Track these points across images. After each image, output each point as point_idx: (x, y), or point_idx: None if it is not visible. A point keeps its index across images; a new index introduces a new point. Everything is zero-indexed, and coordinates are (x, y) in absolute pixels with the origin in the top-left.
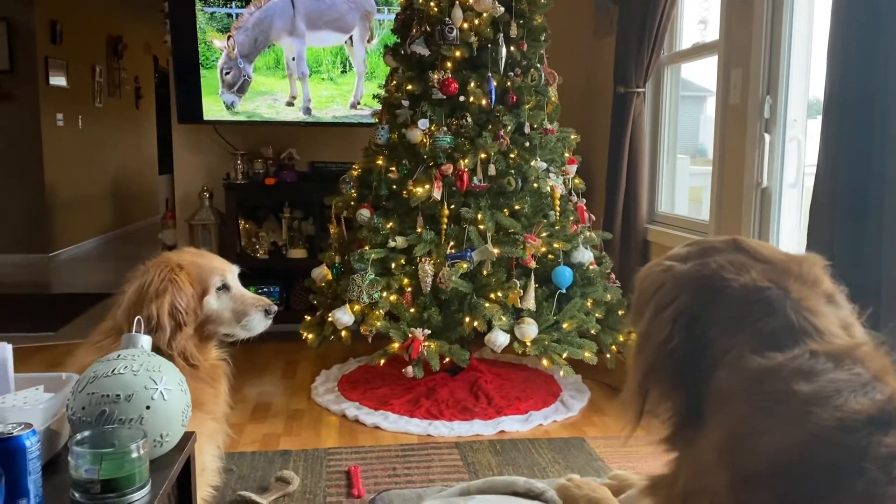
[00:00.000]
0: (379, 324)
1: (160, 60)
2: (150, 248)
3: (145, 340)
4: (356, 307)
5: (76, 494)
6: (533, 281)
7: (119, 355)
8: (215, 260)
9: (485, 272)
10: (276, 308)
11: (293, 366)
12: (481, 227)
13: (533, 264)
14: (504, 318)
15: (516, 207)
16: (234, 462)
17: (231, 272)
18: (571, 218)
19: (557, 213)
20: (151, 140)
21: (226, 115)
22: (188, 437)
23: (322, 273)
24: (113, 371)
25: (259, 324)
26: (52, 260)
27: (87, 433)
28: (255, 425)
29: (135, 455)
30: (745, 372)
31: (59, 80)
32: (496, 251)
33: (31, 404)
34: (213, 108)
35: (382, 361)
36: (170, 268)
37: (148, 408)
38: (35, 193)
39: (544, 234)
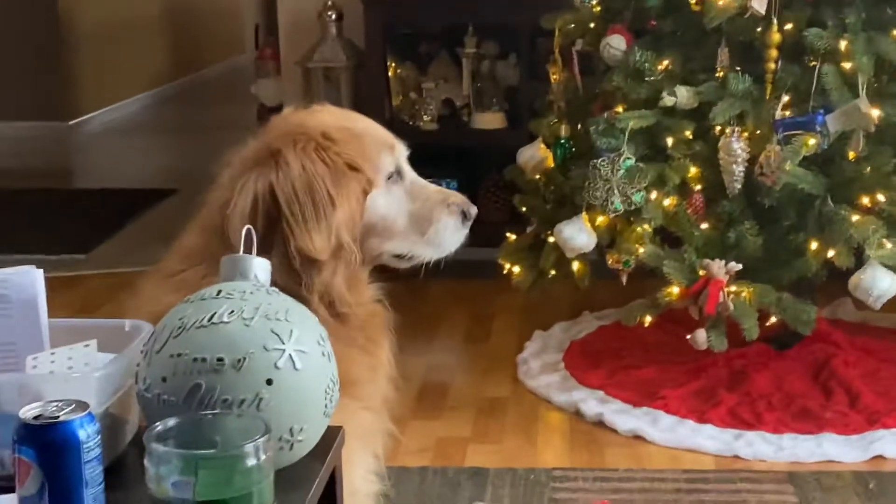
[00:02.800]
0: (642, 250)
1: None
2: (236, 110)
3: (261, 267)
4: (600, 219)
5: None
6: None
7: (220, 292)
8: (373, 126)
9: (851, 155)
10: (475, 210)
11: (484, 322)
12: (846, 65)
13: None
14: (889, 245)
15: None
16: (392, 481)
17: (400, 149)
18: None
19: None
20: None
21: None
22: (335, 434)
23: (537, 156)
24: (212, 318)
25: (454, 235)
26: (73, 131)
27: (171, 422)
28: (423, 422)
29: (251, 462)
30: None
31: None
32: (876, 114)
33: (80, 371)
34: None
35: (648, 320)
36: (317, 144)
37: (270, 382)
38: (43, 24)
39: None
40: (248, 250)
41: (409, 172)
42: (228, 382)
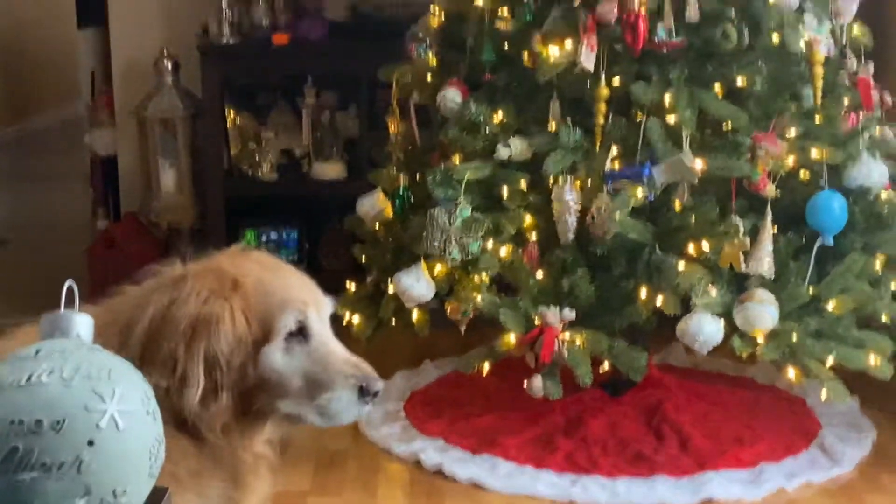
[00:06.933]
0: (479, 298)
1: None
2: (69, 160)
3: (83, 324)
4: (438, 268)
5: None
6: (769, 222)
7: (38, 351)
8: (295, 282)
9: (677, 205)
10: (380, 385)
11: None
12: (671, 119)
13: (771, 191)
14: (714, 292)
15: (739, 83)
16: None
17: (317, 306)
18: (846, 101)
19: (819, 94)
20: None
21: None
22: (161, 496)
23: (376, 206)
24: (29, 379)
25: (347, 409)
26: None
27: None
28: None
29: None
30: None
31: None
32: (700, 166)
33: None
34: None
35: (486, 368)
36: (221, 285)
37: (91, 443)
38: None
39: (792, 134)
40: (69, 306)
41: (320, 335)
42: (47, 444)
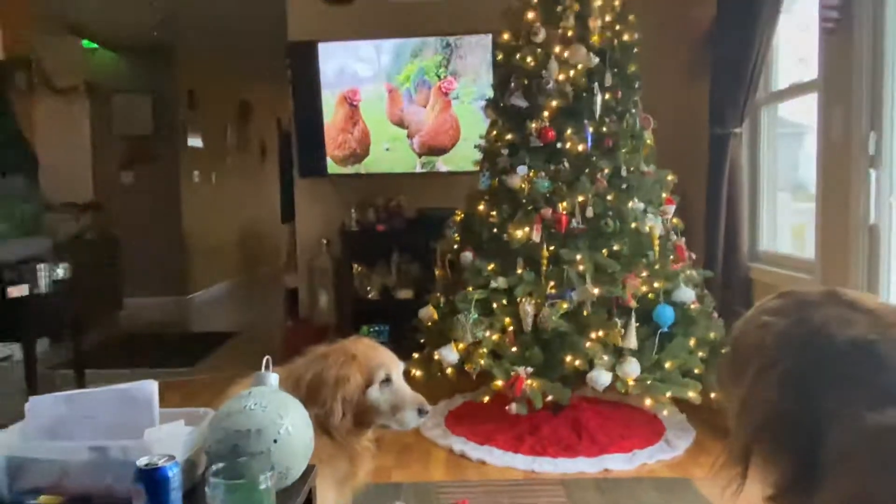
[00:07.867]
0: (483, 362)
1: (282, 121)
2: (275, 290)
3: (273, 379)
4: (461, 345)
5: None
6: (634, 320)
7: (250, 393)
8: (385, 354)
9: (585, 312)
10: (430, 408)
11: None
12: (580, 267)
13: (633, 303)
14: (605, 358)
15: (615, 248)
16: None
17: (396, 367)
18: (671, 257)
19: (657, 253)
20: (274, 192)
21: (341, 169)
22: (310, 470)
23: (429, 313)
24: (244, 407)
25: (412, 420)
26: (188, 302)
27: (221, 465)
28: None
29: (263, 486)
30: (863, 431)
31: (195, 142)
32: (596, 291)
33: (173, 437)
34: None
35: (487, 398)
36: (347, 358)
37: (275, 441)
38: (175, 242)
39: (644, 274)
40: (267, 369)
41: (398, 381)
42: (252, 442)
